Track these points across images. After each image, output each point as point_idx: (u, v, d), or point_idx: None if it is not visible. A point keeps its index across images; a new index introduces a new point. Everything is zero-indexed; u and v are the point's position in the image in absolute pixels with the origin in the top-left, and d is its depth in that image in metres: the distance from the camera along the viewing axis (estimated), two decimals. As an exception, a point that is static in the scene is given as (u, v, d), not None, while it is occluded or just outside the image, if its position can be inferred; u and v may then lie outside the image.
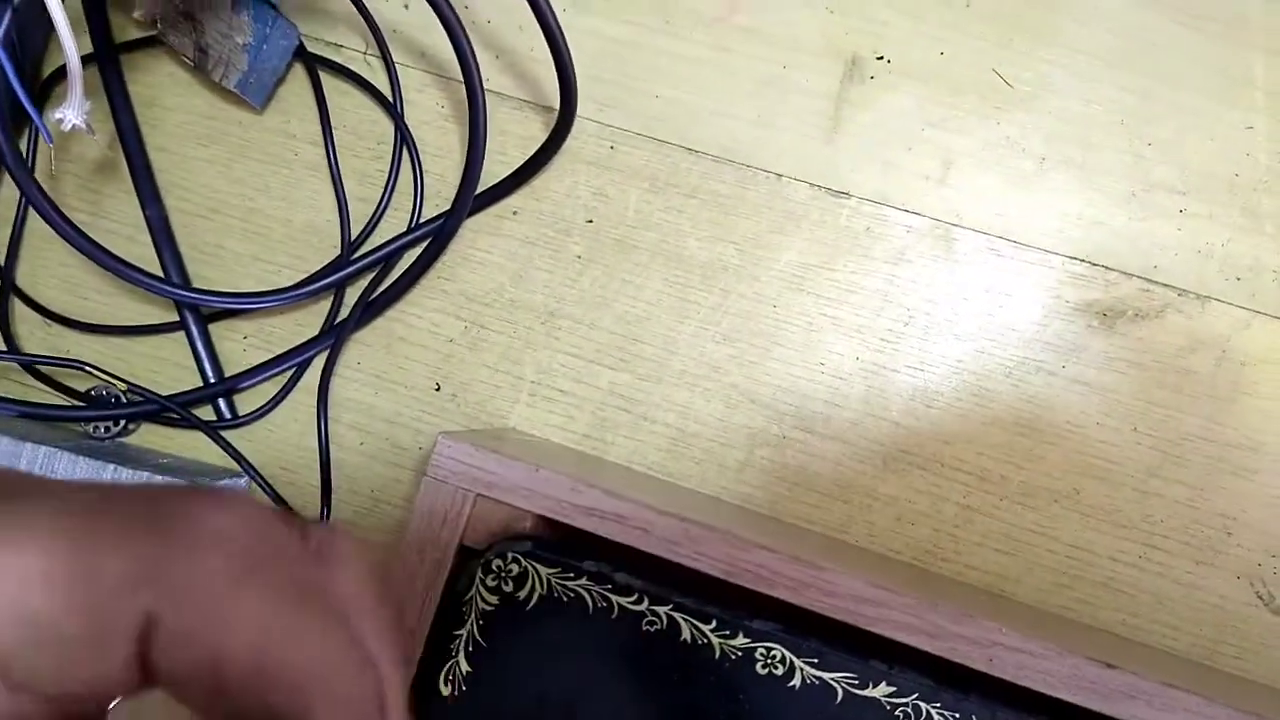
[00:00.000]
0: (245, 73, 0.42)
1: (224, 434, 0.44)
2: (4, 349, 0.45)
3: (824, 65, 0.42)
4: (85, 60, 0.37)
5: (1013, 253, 0.41)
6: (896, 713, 0.30)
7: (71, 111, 0.36)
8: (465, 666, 0.32)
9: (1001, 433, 0.40)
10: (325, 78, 0.44)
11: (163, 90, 0.45)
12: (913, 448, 0.40)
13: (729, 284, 0.42)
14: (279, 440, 0.44)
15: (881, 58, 0.41)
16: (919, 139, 0.41)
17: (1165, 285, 0.40)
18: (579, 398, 0.42)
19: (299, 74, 0.45)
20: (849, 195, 0.41)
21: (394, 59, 0.44)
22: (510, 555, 0.32)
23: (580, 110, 0.41)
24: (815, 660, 0.31)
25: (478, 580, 0.32)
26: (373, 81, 0.44)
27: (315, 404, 0.44)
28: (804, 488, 0.41)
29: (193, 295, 0.42)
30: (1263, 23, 0.40)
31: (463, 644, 0.32)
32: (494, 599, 0.32)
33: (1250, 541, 0.39)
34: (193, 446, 0.44)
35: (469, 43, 0.38)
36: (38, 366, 0.44)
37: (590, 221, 0.43)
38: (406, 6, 0.44)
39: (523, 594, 0.32)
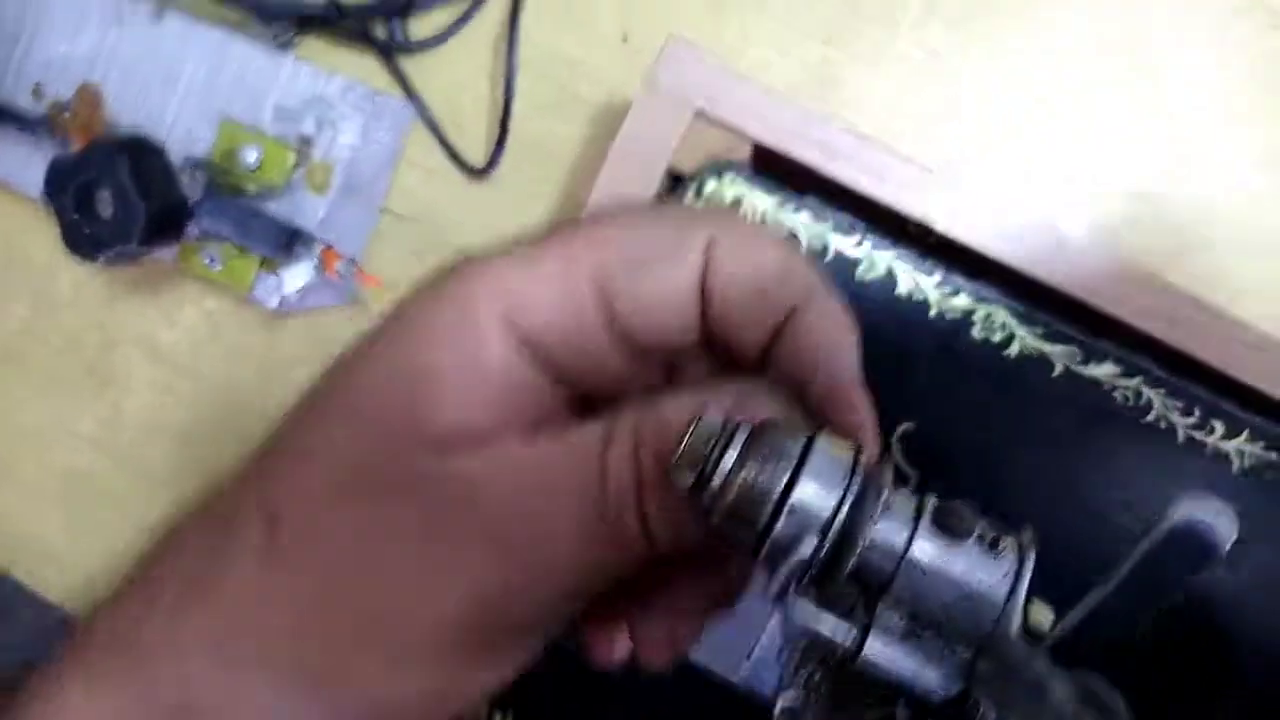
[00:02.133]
0: None
1: (396, 59, 0.41)
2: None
3: None
4: None
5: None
6: (1115, 394, 0.28)
7: None
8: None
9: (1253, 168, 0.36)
10: None
11: None
12: (1136, 172, 0.37)
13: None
14: (451, 73, 0.42)
15: None
16: None
17: None
18: (784, 71, 0.39)
19: None
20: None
21: None
22: (725, 175, 0.30)
23: None
24: (1039, 330, 0.29)
25: (690, 201, 0.30)
26: None
27: (492, 37, 0.41)
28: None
29: None
30: None
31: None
32: (702, 223, 0.30)
33: None
34: (359, 66, 0.42)
35: None
36: (208, -43, 0.42)
37: None
38: None
39: (733, 222, 0.30)
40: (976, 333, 0.29)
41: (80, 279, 0.45)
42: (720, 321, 0.21)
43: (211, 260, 0.38)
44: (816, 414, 0.20)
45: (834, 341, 0.20)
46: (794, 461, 0.17)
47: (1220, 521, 0.13)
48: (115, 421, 0.46)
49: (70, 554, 0.47)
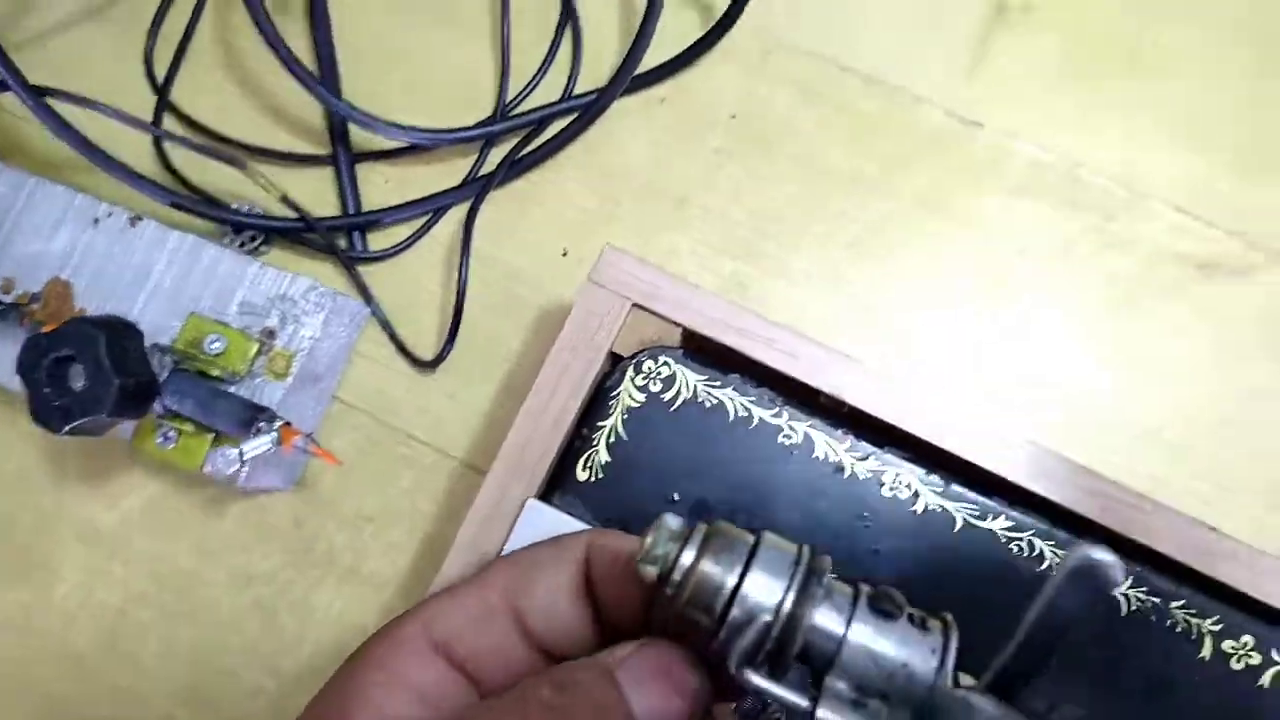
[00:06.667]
0: (437, -67, 0.45)
1: (356, 267, 0.45)
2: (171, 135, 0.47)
3: (972, 4, 0.45)
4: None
5: (1130, 200, 0.44)
6: (1011, 545, 0.32)
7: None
8: (605, 456, 0.34)
9: (1098, 367, 0.43)
10: (505, -45, 0.47)
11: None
12: (1006, 372, 0.43)
13: (862, 197, 0.44)
14: (405, 281, 0.46)
15: (1029, 9, 0.45)
16: (1056, 85, 0.44)
17: (1260, 247, 0.43)
18: (700, 281, 0.45)
19: (480, -53, 0.48)
20: (983, 126, 0.44)
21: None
22: (662, 358, 0.34)
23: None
24: (940, 490, 0.33)
25: (628, 377, 0.34)
26: (549, -36, 0.47)
27: (444, 251, 0.46)
28: (904, 388, 0.43)
29: (351, 110, 0.43)
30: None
31: (605, 435, 0.34)
32: (641, 396, 0.34)
33: (1316, 494, 0.41)
34: (321, 274, 0.46)
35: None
36: (183, 176, 0.46)
37: (734, 118, 0.46)
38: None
39: (669, 395, 0.34)
40: (885, 491, 0.33)
41: (27, 465, 0.46)
42: (610, 602, 0.25)
43: (166, 439, 0.40)
44: None
45: None
46: (745, 556, 0.20)
47: (1113, 559, 0.16)
48: (42, 605, 0.45)
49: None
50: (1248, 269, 0.43)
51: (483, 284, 0.45)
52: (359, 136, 0.47)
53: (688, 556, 0.20)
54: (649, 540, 0.20)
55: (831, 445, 0.33)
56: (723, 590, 0.19)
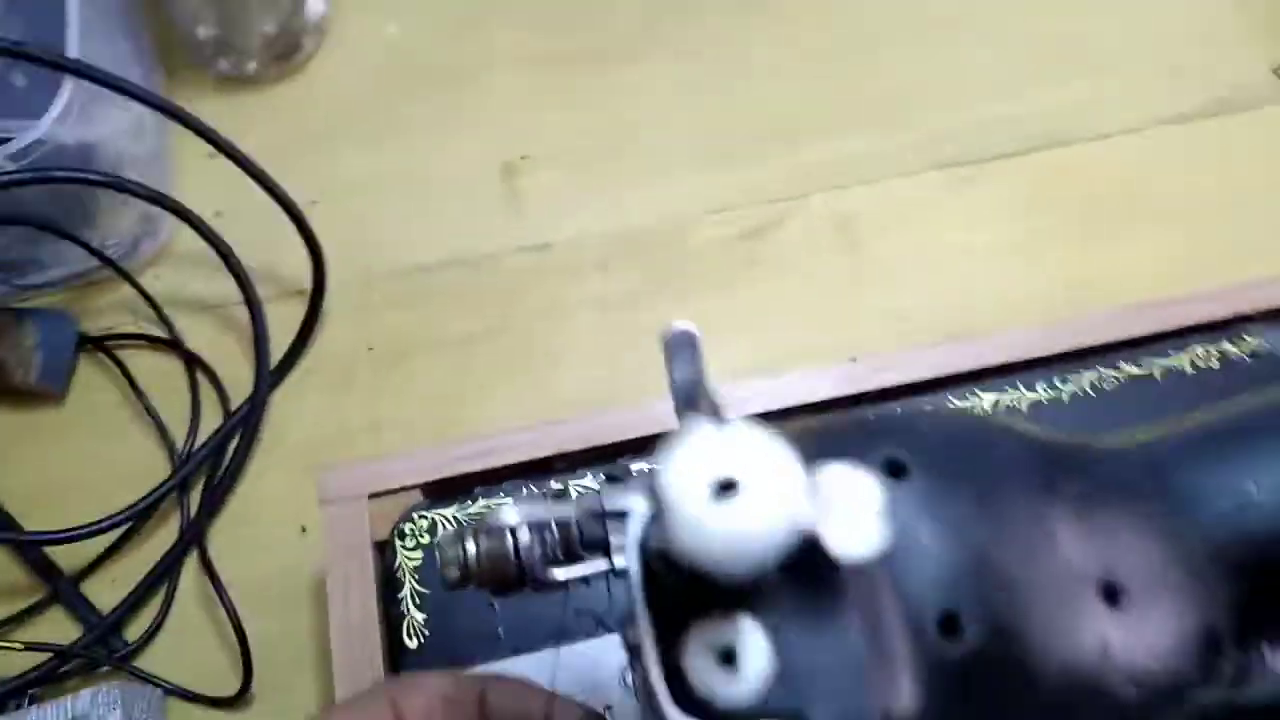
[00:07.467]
0: (42, 367, 0.50)
1: (128, 665, 0.46)
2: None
3: (488, 171, 0.57)
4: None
5: (676, 225, 0.55)
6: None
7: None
8: (420, 616, 0.37)
9: (722, 338, 0.52)
10: (110, 348, 0.52)
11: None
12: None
13: (493, 343, 0.52)
14: (179, 642, 0.47)
15: (525, 157, 0.57)
16: (579, 187, 0.56)
17: (780, 202, 0.56)
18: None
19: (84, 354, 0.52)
20: (551, 245, 0.55)
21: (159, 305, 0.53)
22: (415, 516, 0.38)
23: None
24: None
25: (399, 548, 0.38)
26: (147, 332, 0.53)
27: (198, 596, 0.47)
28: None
29: (37, 534, 0.45)
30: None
31: (409, 600, 0.37)
32: (419, 554, 0.38)
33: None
34: (104, 685, 0.46)
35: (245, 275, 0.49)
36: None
37: (371, 349, 0.52)
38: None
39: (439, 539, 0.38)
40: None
41: None
42: None
43: None
44: None
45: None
46: (509, 521, 0.25)
47: (687, 324, 0.23)
48: None
49: None
50: (779, 219, 0.56)
51: (249, 601, 0.47)
52: (68, 561, 0.48)
53: (470, 546, 0.25)
54: (440, 557, 0.25)
55: (582, 484, 0.39)
56: (506, 544, 0.24)
